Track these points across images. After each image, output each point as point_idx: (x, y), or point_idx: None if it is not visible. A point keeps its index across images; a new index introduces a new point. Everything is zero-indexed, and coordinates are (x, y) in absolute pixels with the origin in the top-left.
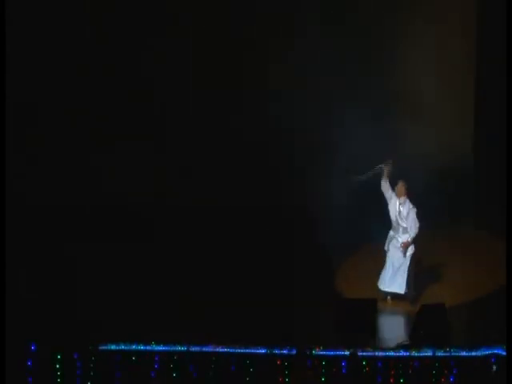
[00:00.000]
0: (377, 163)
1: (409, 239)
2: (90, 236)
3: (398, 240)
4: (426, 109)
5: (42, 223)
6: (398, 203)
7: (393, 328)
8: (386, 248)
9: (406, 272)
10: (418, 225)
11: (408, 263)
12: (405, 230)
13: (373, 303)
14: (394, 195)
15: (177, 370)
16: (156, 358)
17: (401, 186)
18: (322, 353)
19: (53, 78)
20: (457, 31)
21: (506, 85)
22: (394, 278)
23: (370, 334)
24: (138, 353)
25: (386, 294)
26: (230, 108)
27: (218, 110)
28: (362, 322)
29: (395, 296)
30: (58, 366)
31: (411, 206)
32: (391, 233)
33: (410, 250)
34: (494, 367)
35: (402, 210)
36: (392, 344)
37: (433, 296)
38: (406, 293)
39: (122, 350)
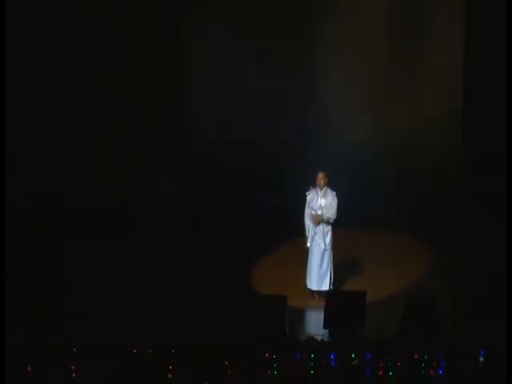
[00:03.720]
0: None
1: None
2: (61, 235)
3: (321, 231)
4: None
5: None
6: (320, 196)
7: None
8: (308, 244)
9: (330, 267)
10: (335, 206)
11: (330, 255)
12: (327, 222)
13: (362, 296)
14: (313, 192)
15: (159, 365)
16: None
17: (321, 177)
18: (310, 345)
19: (47, 79)
20: (444, 28)
21: (506, 84)
22: (321, 275)
23: (359, 326)
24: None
25: (313, 291)
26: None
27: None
28: (352, 314)
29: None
30: None
31: (333, 193)
32: (311, 226)
33: (331, 242)
34: (482, 359)
35: (324, 201)
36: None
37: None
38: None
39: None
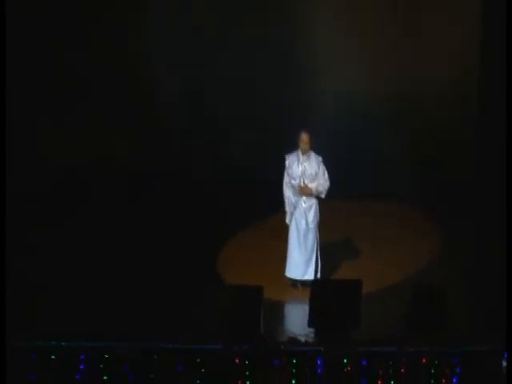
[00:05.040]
0: None
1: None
2: (62, 235)
3: (302, 205)
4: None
5: None
6: (301, 161)
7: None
8: (287, 221)
9: (315, 250)
10: (326, 175)
11: (315, 236)
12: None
13: (357, 286)
14: (293, 156)
15: (108, 372)
16: (82, 357)
17: (305, 140)
18: (291, 348)
19: (47, 79)
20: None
21: (506, 84)
22: (303, 261)
23: (353, 324)
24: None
25: (295, 281)
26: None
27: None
28: (344, 309)
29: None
30: None
31: (319, 158)
32: (293, 199)
33: (315, 219)
34: (504, 363)
35: (307, 167)
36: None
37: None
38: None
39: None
